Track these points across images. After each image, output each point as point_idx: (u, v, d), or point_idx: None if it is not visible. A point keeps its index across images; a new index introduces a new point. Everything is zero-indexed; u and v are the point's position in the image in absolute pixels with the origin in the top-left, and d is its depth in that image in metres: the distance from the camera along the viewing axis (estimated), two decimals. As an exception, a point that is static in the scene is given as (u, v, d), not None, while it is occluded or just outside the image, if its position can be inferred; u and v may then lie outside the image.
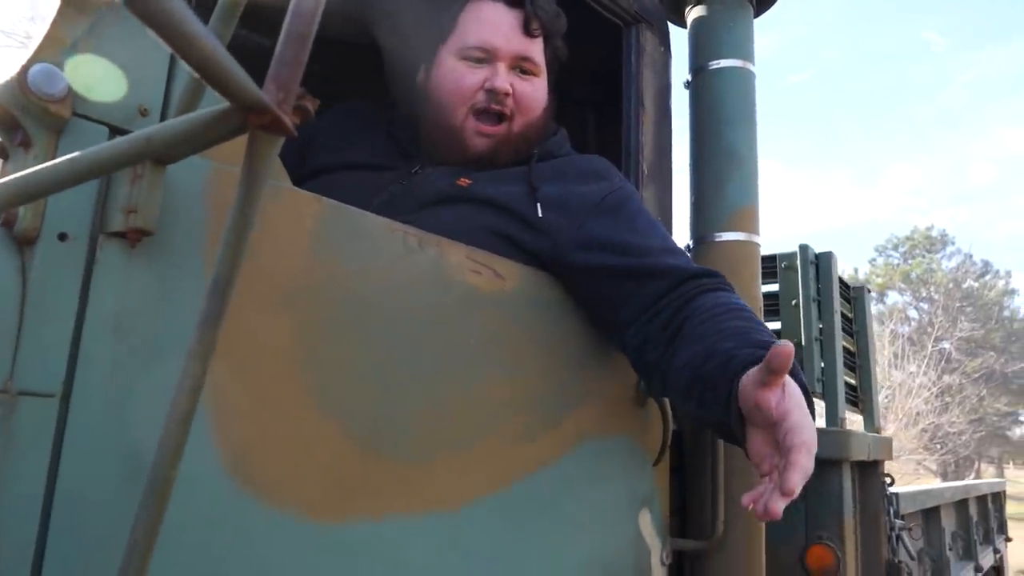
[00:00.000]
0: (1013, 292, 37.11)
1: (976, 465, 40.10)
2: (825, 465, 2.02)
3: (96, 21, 0.78)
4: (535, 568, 1.17)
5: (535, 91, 1.38)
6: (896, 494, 2.46)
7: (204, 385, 0.63)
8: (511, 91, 1.34)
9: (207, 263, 0.84)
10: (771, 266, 2.27)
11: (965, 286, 35.83)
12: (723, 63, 1.68)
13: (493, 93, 1.33)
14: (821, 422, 2.24)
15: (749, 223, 1.63)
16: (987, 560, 4.57)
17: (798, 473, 0.91)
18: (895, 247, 39.40)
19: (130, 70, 0.81)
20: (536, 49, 1.37)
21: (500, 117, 1.35)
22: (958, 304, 34.22)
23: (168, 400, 0.64)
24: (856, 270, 39.55)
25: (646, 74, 1.59)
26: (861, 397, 2.54)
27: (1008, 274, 37.55)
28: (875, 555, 2.31)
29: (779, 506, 0.91)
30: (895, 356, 20.21)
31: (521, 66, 1.36)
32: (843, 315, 2.47)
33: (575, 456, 1.26)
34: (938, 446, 25.43)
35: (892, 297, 37.33)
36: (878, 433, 2.52)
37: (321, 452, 0.92)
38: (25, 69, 0.72)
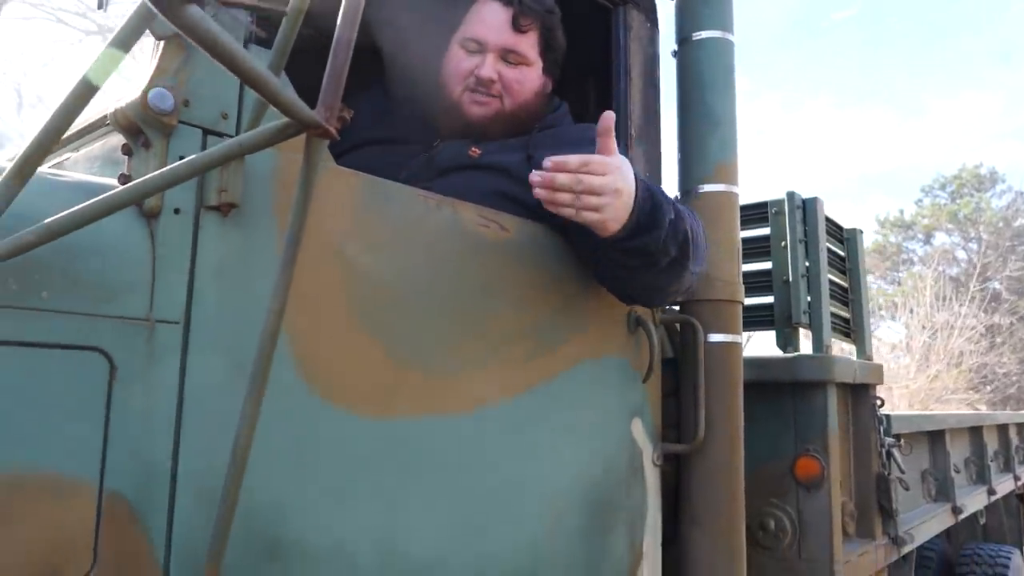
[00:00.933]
0: (1066, 229, 35.99)
1: (1028, 406, 39.62)
2: (811, 386, 2.28)
3: (188, 56, 1.06)
4: (540, 462, 1.47)
5: (522, 78, 1.65)
6: (888, 415, 2.70)
7: (284, 314, 0.92)
8: (496, 79, 1.62)
9: (277, 225, 1.13)
10: (763, 211, 2.50)
11: (1016, 224, 34.86)
12: (704, 34, 1.91)
13: (479, 80, 1.61)
14: (808, 349, 2.49)
15: (728, 176, 1.88)
16: (1004, 486, 4.75)
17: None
18: (942, 187, 38.40)
19: (213, 87, 1.09)
20: (525, 42, 1.63)
21: (492, 96, 1.62)
22: (1008, 243, 33.41)
23: (258, 324, 0.94)
24: (902, 211, 38.79)
25: (633, 48, 1.83)
26: (853, 328, 2.78)
27: (1060, 210, 36.32)
28: (866, 468, 2.57)
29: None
30: (936, 297, 20.00)
31: (508, 57, 1.63)
32: (835, 254, 2.70)
33: (573, 373, 1.55)
34: (987, 386, 25.14)
35: (939, 238, 36.61)
36: (869, 360, 2.76)
37: (368, 365, 1.22)
38: (145, 92, 1.01)
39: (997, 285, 31.88)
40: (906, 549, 2.81)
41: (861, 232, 2.81)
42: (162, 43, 1.05)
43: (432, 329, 1.32)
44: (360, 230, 1.23)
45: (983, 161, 39.06)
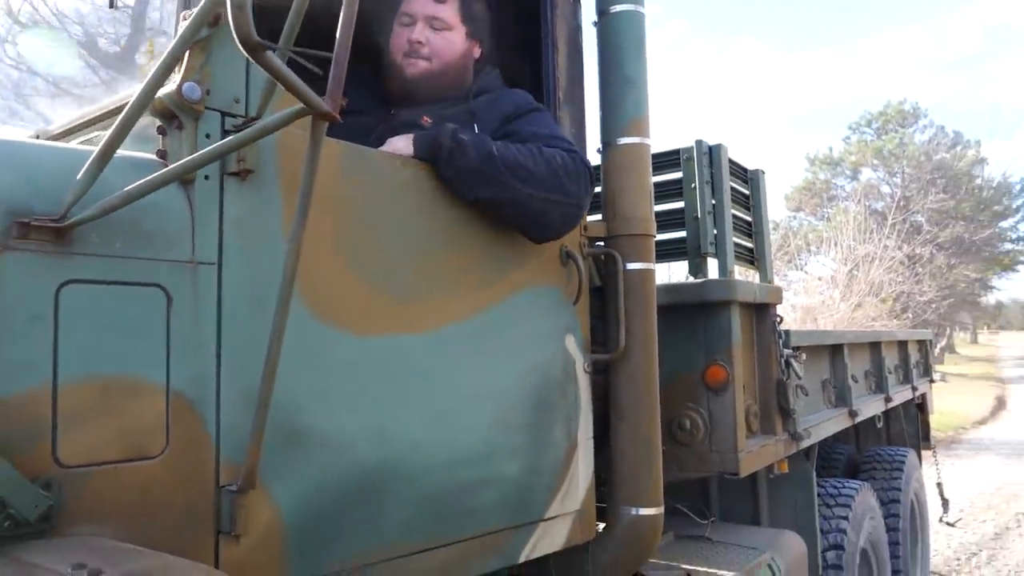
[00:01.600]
0: (983, 161, 37.68)
1: (948, 331, 41.80)
2: (717, 305, 2.69)
3: (209, 54, 1.35)
4: (493, 368, 1.84)
5: (446, 41, 2.01)
6: (787, 330, 3.14)
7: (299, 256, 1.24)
8: (423, 41, 2.00)
9: (280, 185, 1.44)
10: (675, 158, 2.87)
11: (937, 158, 36.29)
12: (619, 7, 2.23)
13: (410, 43, 1.97)
14: (715, 275, 2.89)
15: (641, 129, 2.23)
16: (901, 395, 5.34)
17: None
18: (868, 124, 39.70)
19: (227, 79, 1.39)
20: (446, 10, 2.01)
21: (420, 57, 1.99)
22: (929, 176, 34.84)
23: (271, 263, 1.26)
24: (831, 149, 40.02)
25: (558, 22, 2.15)
26: (756, 257, 3.20)
27: (978, 143, 37.98)
28: (767, 375, 3.02)
29: None
30: (859, 231, 21.05)
31: (433, 24, 1.98)
32: (740, 193, 3.10)
33: (517, 298, 1.91)
34: (907, 313, 26.44)
35: (865, 174, 37.96)
36: (770, 284, 3.19)
37: (354, 295, 1.55)
38: (180, 85, 1.30)
39: (919, 217, 33.38)
40: (804, 444, 3.28)
41: (763, 172, 3.21)
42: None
43: (402, 265, 1.65)
44: (343, 188, 1.55)
45: (908, 97, 40.29)
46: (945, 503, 6.90)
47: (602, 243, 2.23)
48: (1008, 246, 40.66)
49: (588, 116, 2.26)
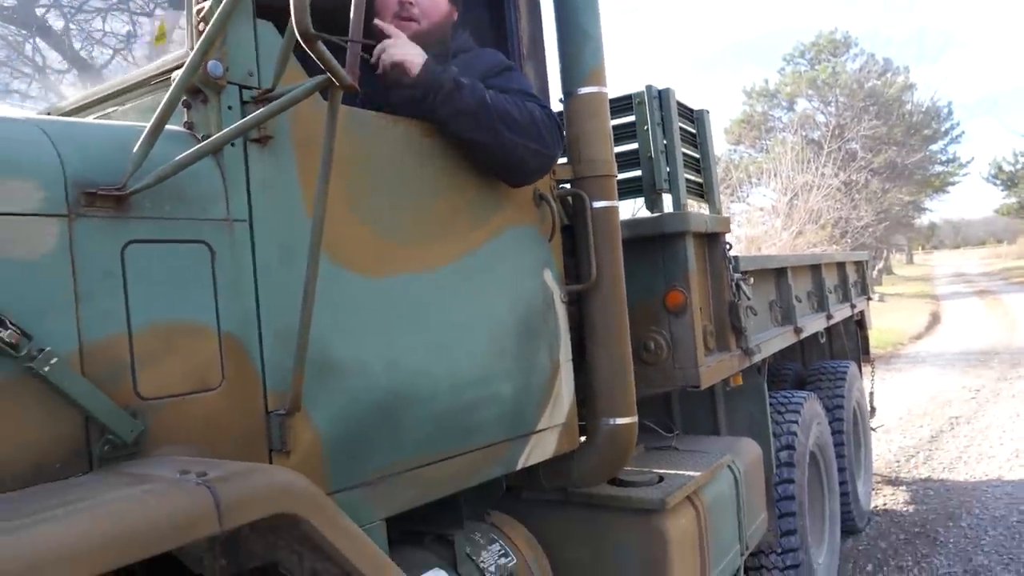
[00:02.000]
0: (912, 87, 38.64)
1: (884, 253, 43.32)
2: (673, 236, 2.96)
3: (226, 33, 1.52)
4: (484, 301, 2.07)
5: (432, 3, 2.18)
6: (736, 256, 3.43)
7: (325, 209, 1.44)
8: (414, 3, 2.12)
9: (294, 148, 1.63)
10: (628, 102, 3.09)
11: (868, 85, 37.06)
12: (573, -33, 2.42)
13: (400, 5, 2.12)
14: (669, 208, 3.15)
15: (599, 79, 2.44)
16: (841, 313, 5.74)
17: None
18: (802, 54, 40.29)
19: (241, 55, 1.56)
20: None
21: (410, 18, 2.13)
22: (862, 104, 35.64)
23: (293, 217, 1.45)
24: (767, 81, 40.59)
25: (518, -16, 2.34)
26: (705, 191, 3.47)
27: (907, 69, 38.86)
28: (720, 297, 3.31)
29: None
30: (797, 161, 21.69)
31: None
32: (688, 132, 3.35)
33: (499, 239, 2.13)
34: (845, 238, 27.30)
35: (801, 104, 38.66)
36: (718, 215, 3.46)
37: (364, 242, 1.75)
38: (205, 64, 1.46)
39: (853, 144, 34.22)
40: (756, 359, 3.61)
41: (708, 112, 3.45)
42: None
43: (402, 212, 1.86)
44: (349, 149, 1.74)
45: (837, 26, 40.82)
46: (872, 410, 7.44)
47: (569, 185, 2.46)
48: (938, 168, 42.05)
49: (549, 69, 2.46)
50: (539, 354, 2.25)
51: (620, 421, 2.45)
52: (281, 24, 1.62)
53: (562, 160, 2.49)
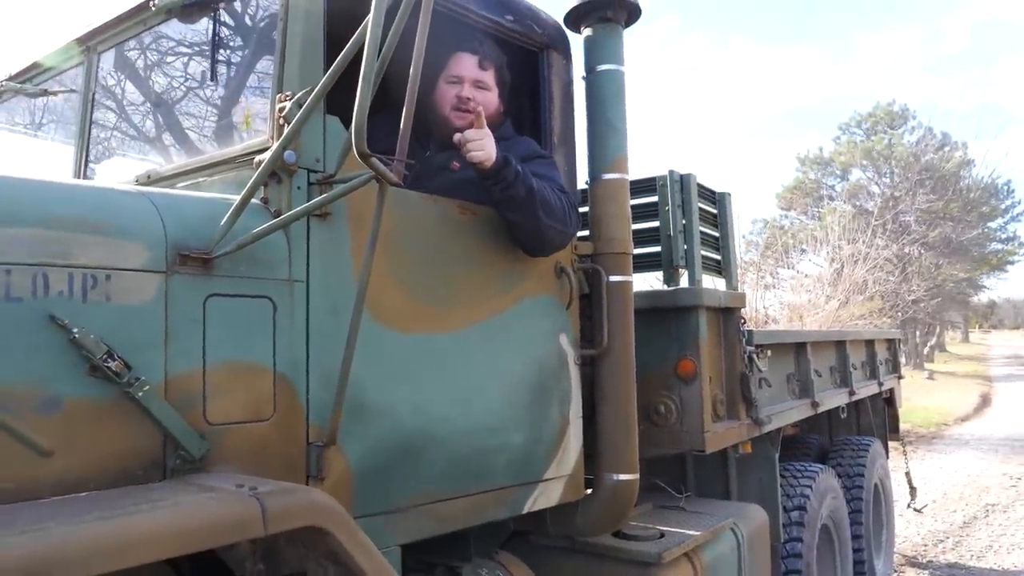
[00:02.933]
0: (970, 162, 38.20)
1: (937, 330, 42.37)
2: (687, 309, 3.21)
3: (296, 130, 1.84)
4: (503, 359, 2.34)
5: (487, 99, 2.49)
6: (750, 330, 3.65)
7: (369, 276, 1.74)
8: (472, 98, 2.44)
9: (348, 224, 1.94)
10: (652, 184, 3.38)
11: (925, 159, 36.75)
12: (603, 67, 2.74)
13: (459, 99, 2.43)
14: (685, 283, 3.40)
15: (622, 167, 2.73)
16: (867, 390, 5.85)
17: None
18: (858, 124, 40.24)
19: (310, 146, 1.88)
20: (487, 76, 2.48)
21: (468, 111, 2.45)
22: (917, 177, 35.33)
23: (343, 282, 1.75)
24: (821, 149, 40.60)
25: (553, 80, 2.66)
26: (723, 268, 3.71)
27: (965, 144, 38.45)
28: (732, 367, 3.53)
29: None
30: (844, 230, 21.64)
31: (477, 84, 2.46)
32: (709, 212, 3.61)
33: (522, 305, 2.42)
34: (897, 314, 26.83)
35: (855, 174, 38.53)
36: (735, 291, 3.70)
37: (401, 304, 2.05)
38: (281, 153, 1.79)
39: (907, 217, 33.89)
40: (766, 428, 3.79)
41: (729, 194, 3.72)
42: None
43: (434, 279, 2.16)
44: (393, 223, 2.04)
45: (895, 99, 40.77)
46: (913, 491, 7.39)
47: (589, 259, 2.73)
48: (996, 246, 41.24)
49: (578, 154, 2.76)
50: (551, 409, 2.51)
51: (623, 477, 2.68)
52: (345, 118, 1.95)
53: (583, 232, 2.78)
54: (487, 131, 2.20)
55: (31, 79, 2.74)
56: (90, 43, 2.50)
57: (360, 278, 1.72)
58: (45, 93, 2.69)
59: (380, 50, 1.52)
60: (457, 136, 2.20)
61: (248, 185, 1.66)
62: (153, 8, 2.19)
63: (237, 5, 2.17)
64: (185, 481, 1.52)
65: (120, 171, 2.48)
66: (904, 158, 35.99)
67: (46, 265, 1.44)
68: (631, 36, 2.75)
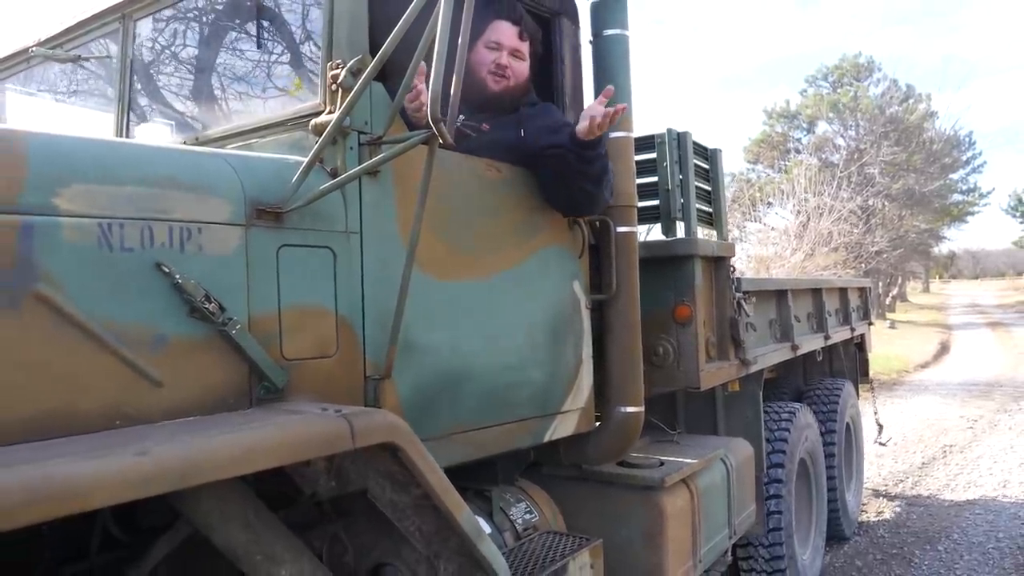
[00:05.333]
0: (934, 114, 38.76)
1: (899, 280, 43.36)
2: (683, 258, 3.46)
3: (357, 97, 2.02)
4: (526, 304, 2.57)
5: (521, 67, 2.69)
6: (739, 277, 3.91)
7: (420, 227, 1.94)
8: (508, 65, 2.63)
9: (393, 180, 2.13)
10: (651, 141, 3.59)
11: (889, 111, 37.13)
12: (609, 32, 2.92)
13: (498, 66, 2.62)
14: (682, 234, 3.64)
15: (627, 125, 2.94)
16: (840, 335, 6.18)
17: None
18: (824, 77, 40.54)
19: (360, 109, 2.06)
20: (524, 46, 2.68)
21: (504, 77, 2.63)
22: (882, 129, 35.79)
23: (391, 233, 1.96)
24: (788, 102, 40.89)
25: (564, 45, 2.85)
26: (714, 220, 3.96)
27: (929, 97, 38.98)
28: (722, 312, 3.80)
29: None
30: (811, 183, 22.12)
31: (514, 53, 2.64)
32: (702, 168, 3.84)
33: (540, 254, 2.64)
34: (861, 265, 27.43)
35: (821, 127, 38.93)
36: (724, 241, 3.95)
37: (440, 253, 2.26)
38: (343, 120, 1.95)
39: (871, 169, 34.40)
40: (752, 368, 4.08)
41: (720, 150, 3.95)
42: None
43: (467, 231, 2.37)
44: (432, 180, 2.24)
45: (861, 51, 41.05)
46: (880, 428, 7.84)
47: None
48: (958, 197, 42.11)
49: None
50: (566, 349, 2.75)
51: (630, 409, 2.94)
52: (388, 86, 2.14)
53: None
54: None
55: (61, 45, 2.86)
56: (126, 11, 2.62)
57: (412, 230, 1.91)
58: (78, 59, 2.81)
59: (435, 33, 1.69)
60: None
61: (315, 147, 1.84)
62: (194, -22, 2.33)
63: (277, -25, 2.32)
64: (274, 408, 1.74)
65: (159, 134, 2.64)
66: (869, 110, 36.35)
67: (150, 219, 1.62)
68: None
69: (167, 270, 1.62)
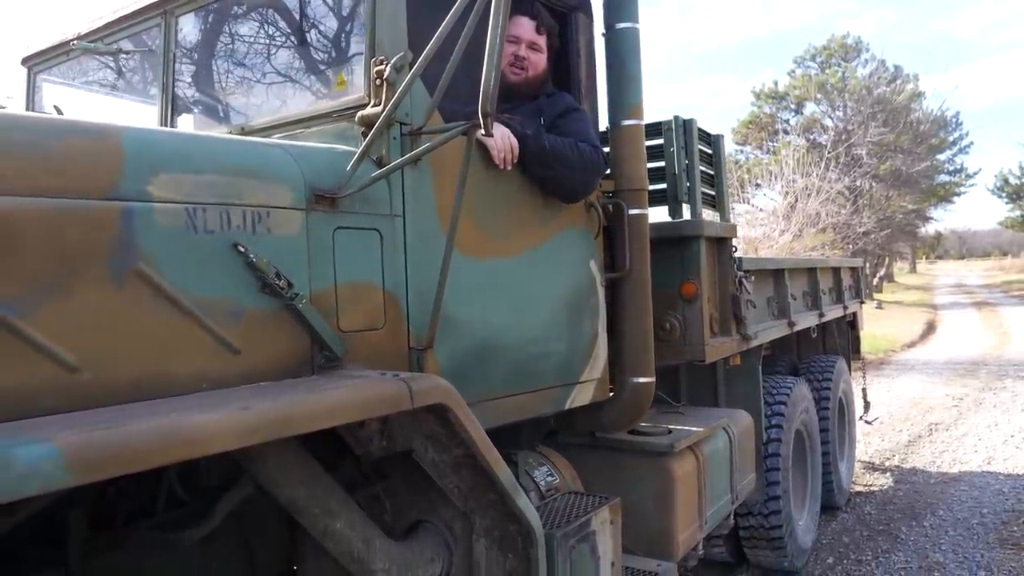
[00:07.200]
0: (921, 95, 38.96)
1: (887, 261, 43.74)
2: (689, 239, 3.66)
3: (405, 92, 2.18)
4: (548, 280, 2.76)
5: (539, 59, 2.86)
6: (740, 257, 4.12)
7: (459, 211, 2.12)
8: (526, 57, 2.81)
9: (431, 167, 2.31)
10: (659, 128, 3.78)
11: (877, 92, 37.26)
12: (621, 25, 3.10)
13: (516, 58, 2.79)
14: (687, 216, 3.84)
15: (638, 114, 3.12)
16: (833, 312, 6.40)
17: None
18: (812, 57, 40.62)
19: (401, 104, 2.23)
20: (541, 40, 2.84)
21: (522, 68, 2.80)
22: (870, 110, 35.96)
23: (430, 216, 2.14)
24: (776, 83, 40.99)
25: (580, 38, 3.02)
26: (717, 202, 4.16)
27: (916, 77, 39.16)
28: (725, 291, 4.00)
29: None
30: (798, 164, 22.34)
31: (532, 46, 2.82)
32: (705, 153, 4.04)
33: (562, 235, 2.83)
34: (849, 246, 27.70)
35: (809, 107, 39.10)
36: (727, 222, 4.15)
37: (472, 234, 2.44)
38: (392, 113, 2.13)
39: (859, 150, 34.61)
40: (753, 344, 4.29)
41: (722, 136, 4.14)
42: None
43: (495, 214, 2.55)
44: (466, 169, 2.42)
45: (849, 31, 41.08)
46: (867, 405, 8.04)
47: (611, 195, 3.14)
48: (944, 178, 42.42)
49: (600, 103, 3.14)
50: (584, 323, 2.94)
51: (641, 379, 3.15)
52: (428, 84, 2.31)
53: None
54: (502, 134, 2.50)
55: (102, 39, 3.01)
56: (168, 7, 2.78)
57: (452, 214, 2.10)
58: (118, 52, 2.97)
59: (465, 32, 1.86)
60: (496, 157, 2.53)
61: (367, 139, 2.02)
62: (238, -23, 2.49)
63: (317, -24, 2.48)
64: (338, 374, 1.93)
65: (200, 125, 2.80)
66: (857, 91, 36.43)
67: (227, 204, 1.80)
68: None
69: (242, 250, 1.80)
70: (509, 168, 2.54)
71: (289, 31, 2.56)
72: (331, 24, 2.49)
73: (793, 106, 39.87)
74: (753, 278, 4.37)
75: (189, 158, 1.78)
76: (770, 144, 38.17)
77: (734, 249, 4.06)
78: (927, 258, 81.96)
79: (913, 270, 64.92)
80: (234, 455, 1.61)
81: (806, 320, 5.60)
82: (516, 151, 2.54)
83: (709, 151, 4.09)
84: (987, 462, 7.61)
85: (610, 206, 3.13)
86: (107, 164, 1.62)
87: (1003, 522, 5.83)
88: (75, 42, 3.03)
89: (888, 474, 7.44)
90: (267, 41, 2.64)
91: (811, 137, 35.97)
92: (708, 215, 4.01)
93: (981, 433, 8.88)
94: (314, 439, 1.85)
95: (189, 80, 2.82)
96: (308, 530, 1.97)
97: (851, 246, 27.35)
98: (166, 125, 2.79)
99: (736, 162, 33.76)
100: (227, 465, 2.10)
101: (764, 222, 21.27)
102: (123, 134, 1.69)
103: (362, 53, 2.31)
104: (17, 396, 1.42)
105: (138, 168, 1.66)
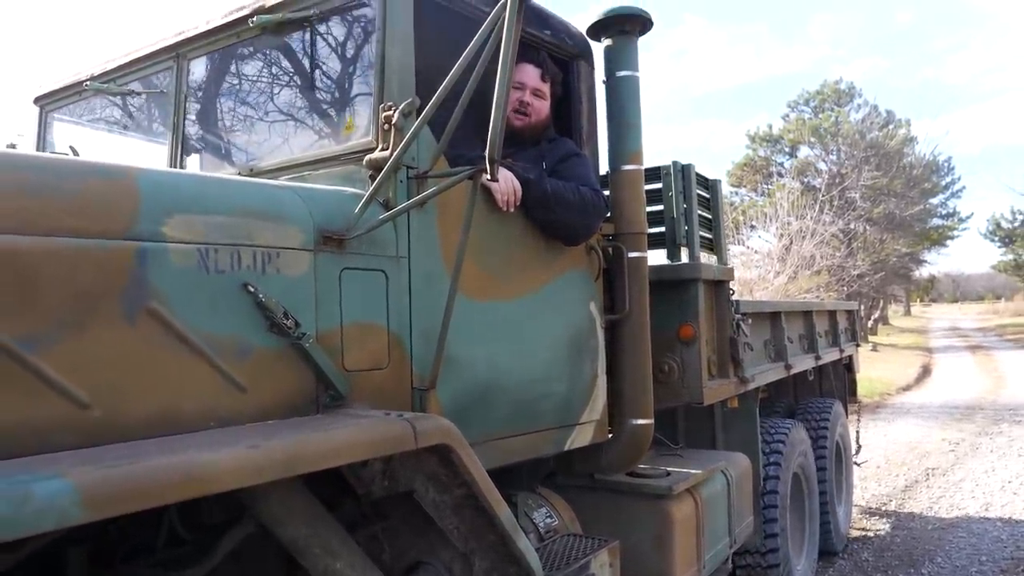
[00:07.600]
0: (913, 140, 39.49)
1: (881, 304, 43.87)
2: (688, 282, 3.70)
3: (413, 137, 2.24)
4: (549, 322, 2.79)
5: (542, 105, 2.93)
6: (738, 300, 4.16)
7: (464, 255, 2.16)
8: (530, 103, 2.87)
9: (436, 210, 2.35)
10: (658, 172, 3.85)
11: (870, 136, 37.73)
12: (620, 73, 3.18)
13: (521, 103, 2.86)
14: (685, 259, 3.89)
15: (638, 159, 3.19)
16: (829, 355, 6.43)
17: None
18: (806, 102, 41.26)
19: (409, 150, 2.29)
20: (545, 87, 2.91)
21: (526, 114, 2.86)
22: (863, 154, 36.39)
23: (435, 259, 2.18)
24: (770, 126, 41.55)
25: (581, 86, 3.10)
26: (715, 245, 4.22)
27: (908, 122, 39.71)
28: (723, 332, 4.03)
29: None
30: (792, 206, 22.54)
31: (536, 93, 2.88)
32: (703, 197, 4.10)
33: (563, 277, 2.87)
34: (843, 288, 27.80)
35: (803, 151, 39.58)
36: (725, 266, 4.20)
37: (475, 276, 2.47)
38: (401, 157, 2.18)
39: (853, 194, 34.93)
40: (750, 386, 4.32)
41: (719, 181, 4.22)
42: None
43: (498, 257, 2.59)
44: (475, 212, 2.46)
45: (843, 76, 41.83)
46: (858, 448, 8.00)
47: (611, 238, 3.19)
48: (937, 222, 42.81)
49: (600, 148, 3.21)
50: (584, 365, 2.97)
51: (640, 421, 3.16)
52: (433, 128, 2.37)
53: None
54: (505, 177, 2.54)
55: (114, 80, 3.08)
56: (180, 51, 2.85)
57: (456, 256, 2.14)
58: (130, 93, 3.03)
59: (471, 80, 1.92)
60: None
61: (376, 182, 2.07)
62: (251, 24, 2.56)
63: (328, 24, 2.55)
64: (342, 413, 1.95)
65: (209, 165, 2.85)
66: (850, 135, 36.89)
67: (238, 245, 1.84)
68: (585, 13, 3.28)
69: (252, 289, 1.83)
70: (512, 210, 2.59)
71: (297, 75, 2.62)
72: (340, 68, 2.56)
73: (787, 149, 40.39)
74: (750, 320, 4.41)
75: (202, 200, 1.83)
76: (765, 186, 38.54)
77: (732, 292, 4.11)
78: (921, 301, 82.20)
79: (907, 313, 65.07)
80: (238, 493, 1.62)
81: (803, 363, 5.63)
82: (519, 194, 2.59)
83: (707, 195, 4.16)
84: (985, 508, 7.55)
85: (610, 249, 3.18)
86: (124, 205, 1.66)
87: (1002, 570, 5.76)
88: (88, 83, 3.10)
89: (885, 519, 7.36)
90: (275, 84, 2.70)
91: (805, 180, 36.33)
92: (706, 258, 4.07)
93: (978, 478, 8.80)
94: (316, 478, 1.86)
95: (199, 121, 2.88)
96: (308, 570, 1.97)
97: (846, 288, 27.46)
98: (176, 165, 2.84)
99: (731, 204, 34.05)
100: (228, 503, 2.11)
101: (759, 264, 21.40)
102: (140, 176, 1.74)
103: (370, 95, 2.37)
104: (29, 431, 1.44)
105: (154, 209, 1.70)
